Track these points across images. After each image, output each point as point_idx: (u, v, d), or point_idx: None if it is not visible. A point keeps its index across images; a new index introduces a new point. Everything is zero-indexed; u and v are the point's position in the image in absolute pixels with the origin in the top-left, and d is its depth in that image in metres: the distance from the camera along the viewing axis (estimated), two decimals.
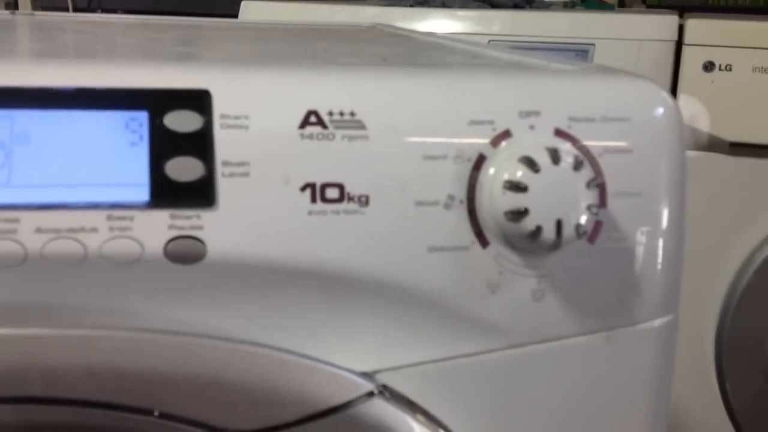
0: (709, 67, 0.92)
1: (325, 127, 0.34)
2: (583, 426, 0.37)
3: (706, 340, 0.93)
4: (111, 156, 0.32)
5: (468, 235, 0.35)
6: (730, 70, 0.91)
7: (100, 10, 1.46)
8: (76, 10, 1.44)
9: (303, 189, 0.33)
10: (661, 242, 0.37)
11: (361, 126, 0.34)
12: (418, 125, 0.35)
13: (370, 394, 0.33)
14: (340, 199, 0.34)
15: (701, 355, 0.93)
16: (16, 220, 0.30)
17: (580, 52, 0.95)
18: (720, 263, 0.92)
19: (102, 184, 0.32)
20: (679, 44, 0.93)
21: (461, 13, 0.97)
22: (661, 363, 0.38)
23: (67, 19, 0.75)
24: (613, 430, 0.38)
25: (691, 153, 0.92)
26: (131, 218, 0.31)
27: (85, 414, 0.29)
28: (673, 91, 0.92)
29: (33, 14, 0.78)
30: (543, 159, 0.34)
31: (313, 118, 0.34)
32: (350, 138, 0.34)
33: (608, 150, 0.37)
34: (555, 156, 0.34)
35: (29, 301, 0.30)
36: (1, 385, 0.28)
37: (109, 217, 0.31)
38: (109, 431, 0.30)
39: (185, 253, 0.32)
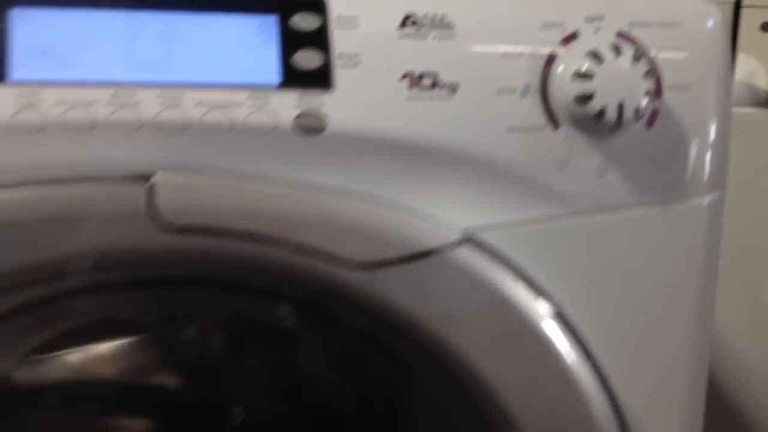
0: (766, 27, 0.95)
1: (420, 27, 0.41)
2: (638, 292, 0.43)
3: (765, 289, 0.96)
4: (248, 50, 0.40)
5: (541, 118, 0.41)
6: None
7: None
8: None
9: (402, 78, 0.40)
10: (710, 129, 0.43)
11: (450, 26, 0.41)
12: (498, 27, 0.41)
13: (460, 243, 0.39)
14: (433, 86, 0.40)
15: (760, 304, 0.96)
16: (180, 96, 0.38)
17: None
18: None
19: (243, 70, 0.39)
20: (737, 6, 0.96)
21: None
22: (710, 237, 0.43)
23: None
24: (664, 299, 0.44)
25: (749, 110, 0.95)
26: (267, 96, 0.38)
27: (240, 247, 0.37)
28: (732, 51, 0.96)
29: None
30: (607, 53, 0.40)
31: (410, 20, 0.41)
32: (441, 37, 0.41)
33: (664, 50, 0.42)
34: (617, 50, 0.40)
35: (192, 159, 0.38)
36: (178, 216, 0.36)
37: (250, 96, 0.38)
38: (256, 263, 0.37)
39: (310, 127, 0.39)
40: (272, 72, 0.39)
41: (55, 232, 0.36)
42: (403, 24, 0.41)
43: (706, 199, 0.43)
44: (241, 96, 0.38)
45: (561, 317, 0.41)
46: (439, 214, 0.40)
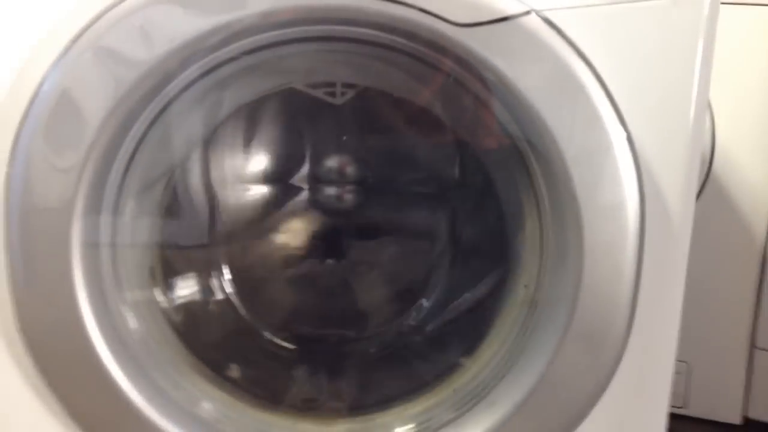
0: None
1: None
2: (652, 60, 0.62)
3: None
4: None
5: None
6: None
7: None
8: None
9: None
10: None
11: None
12: None
13: (528, 13, 0.59)
14: None
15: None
16: None
17: None
18: None
19: None
20: None
21: None
22: (708, 30, 0.61)
23: None
24: (670, 73, 0.62)
25: None
26: None
27: (386, 7, 0.58)
28: None
29: None
30: None
31: None
32: None
33: None
34: None
35: None
36: None
37: None
38: (393, 21, 0.58)
39: None
40: None
41: None
42: None
43: None
44: None
45: (591, 67, 0.61)
46: None
